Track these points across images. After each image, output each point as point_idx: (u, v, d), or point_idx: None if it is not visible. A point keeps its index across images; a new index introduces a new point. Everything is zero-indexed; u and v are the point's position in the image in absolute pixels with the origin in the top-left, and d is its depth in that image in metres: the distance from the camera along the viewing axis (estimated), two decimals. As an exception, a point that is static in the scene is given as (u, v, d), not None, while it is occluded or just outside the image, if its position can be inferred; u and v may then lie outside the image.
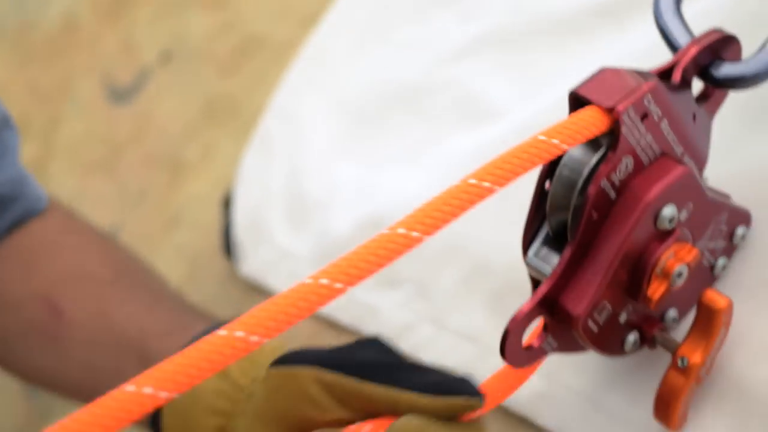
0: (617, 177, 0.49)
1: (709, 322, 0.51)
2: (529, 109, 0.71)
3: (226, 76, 1.02)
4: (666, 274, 0.51)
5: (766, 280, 0.54)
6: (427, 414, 0.49)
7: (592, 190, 0.49)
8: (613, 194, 0.49)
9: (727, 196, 0.54)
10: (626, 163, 0.49)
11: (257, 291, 0.81)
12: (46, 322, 0.63)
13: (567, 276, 0.50)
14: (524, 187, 0.65)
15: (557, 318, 0.50)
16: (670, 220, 0.50)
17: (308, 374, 0.52)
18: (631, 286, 0.51)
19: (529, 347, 0.50)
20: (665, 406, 0.52)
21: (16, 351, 0.65)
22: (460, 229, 0.68)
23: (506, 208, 0.67)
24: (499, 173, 0.46)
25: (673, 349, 0.52)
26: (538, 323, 0.51)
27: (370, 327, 0.72)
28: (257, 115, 0.90)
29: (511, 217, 0.66)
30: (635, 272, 0.50)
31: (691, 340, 0.51)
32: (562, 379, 0.59)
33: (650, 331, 0.53)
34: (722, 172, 0.55)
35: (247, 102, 0.97)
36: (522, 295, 0.62)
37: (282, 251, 0.80)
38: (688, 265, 0.51)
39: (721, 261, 0.55)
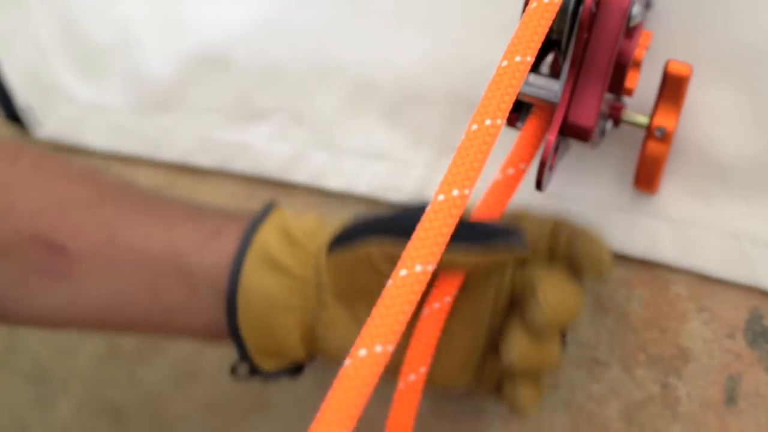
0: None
1: (677, 91, 0.56)
2: None
3: None
4: (637, 64, 0.55)
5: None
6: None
7: (584, 12, 0.51)
8: (594, 10, 0.52)
9: None
10: (598, -26, 0.52)
11: (67, 149, 0.76)
12: (47, 262, 0.56)
13: (568, 96, 0.53)
14: (388, 8, 0.66)
15: (567, 134, 0.54)
16: (636, 17, 0.54)
17: (377, 251, 0.53)
18: (615, 84, 0.55)
19: (551, 168, 0.54)
20: (649, 174, 0.58)
21: (16, 299, 0.57)
22: (326, 51, 0.68)
23: (378, 27, 0.67)
24: (527, 40, 0.46)
25: (642, 122, 0.58)
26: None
27: (241, 165, 0.71)
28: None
29: (387, 35, 0.67)
30: (617, 71, 0.54)
31: (662, 110, 0.57)
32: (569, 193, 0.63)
33: (617, 114, 0.57)
34: None
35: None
36: (418, 104, 0.65)
37: (88, 105, 0.75)
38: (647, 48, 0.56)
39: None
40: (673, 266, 0.60)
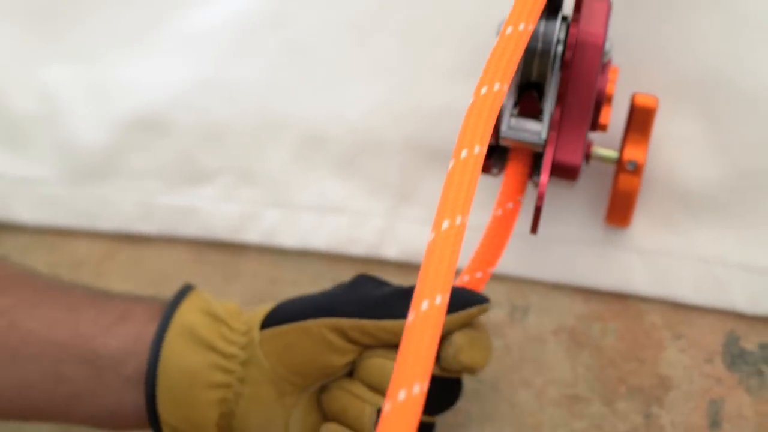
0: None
1: (645, 123, 0.57)
2: None
3: None
4: (609, 99, 0.56)
5: None
6: (451, 328, 0.52)
7: (568, 54, 0.52)
8: (571, 52, 0.53)
9: None
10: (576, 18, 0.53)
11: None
12: None
13: (556, 135, 0.54)
14: (332, 58, 0.66)
15: (555, 174, 0.54)
16: (608, 52, 0.55)
17: (322, 324, 0.53)
18: (593, 121, 0.56)
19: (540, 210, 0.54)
20: (623, 208, 0.59)
21: None
22: (271, 107, 0.67)
23: (325, 79, 0.67)
24: (503, 70, 0.46)
25: (612, 157, 0.59)
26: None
27: (187, 229, 0.69)
28: None
29: (335, 86, 0.66)
30: (595, 108, 0.55)
31: (631, 143, 0.58)
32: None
33: (588, 150, 0.58)
34: None
35: None
36: (372, 153, 0.65)
37: (14, 178, 0.71)
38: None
39: None
40: (647, 296, 0.61)
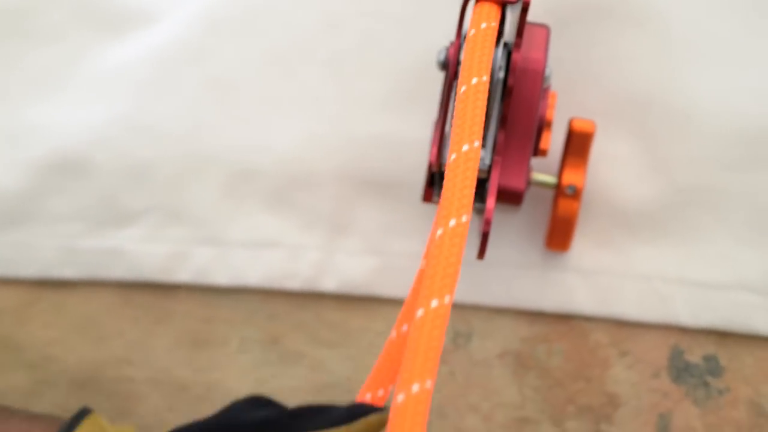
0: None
1: (582, 147, 0.58)
2: (186, 9, 0.67)
3: None
4: (549, 124, 0.56)
5: None
6: None
7: (511, 80, 0.52)
8: (514, 78, 0.53)
9: None
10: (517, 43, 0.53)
11: None
12: None
13: (500, 161, 0.53)
14: (258, 92, 0.64)
15: (500, 199, 0.54)
16: (548, 78, 0.55)
17: None
18: (534, 146, 0.56)
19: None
20: (563, 232, 0.59)
21: None
22: (196, 143, 0.66)
23: (250, 112, 0.65)
24: (469, 127, 0.45)
25: (551, 182, 0.59)
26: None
27: (114, 272, 0.66)
28: None
29: (260, 119, 0.65)
30: (537, 133, 0.55)
31: (569, 167, 0.58)
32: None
33: (529, 175, 0.58)
34: None
35: None
36: (304, 185, 0.64)
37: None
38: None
39: None
40: (591, 316, 0.61)
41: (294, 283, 0.64)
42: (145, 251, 0.66)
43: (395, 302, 0.63)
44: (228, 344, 0.65)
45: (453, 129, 0.44)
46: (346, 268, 0.64)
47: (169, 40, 0.67)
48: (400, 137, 0.64)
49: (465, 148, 0.43)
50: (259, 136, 0.65)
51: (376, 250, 0.64)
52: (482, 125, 0.44)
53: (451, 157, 0.43)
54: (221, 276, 0.65)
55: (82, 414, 0.52)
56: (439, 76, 0.60)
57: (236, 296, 0.65)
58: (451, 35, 0.59)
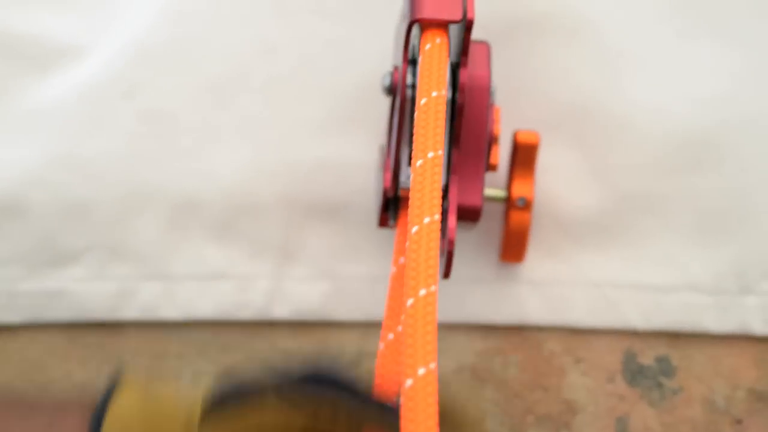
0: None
1: (528, 159, 0.59)
2: (115, 42, 0.66)
3: None
4: (496, 139, 0.57)
5: None
6: None
7: (461, 98, 0.52)
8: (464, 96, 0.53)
9: None
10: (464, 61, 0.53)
11: None
12: None
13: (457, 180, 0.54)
14: (195, 123, 0.64)
15: (459, 217, 0.54)
16: (493, 93, 0.56)
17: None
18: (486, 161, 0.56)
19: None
20: (516, 244, 0.60)
21: None
22: (135, 178, 0.65)
23: (189, 144, 0.65)
24: (432, 137, 0.46)
25: (501, 196, 0.59)
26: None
27: (56, 314, 0.65)
28: None
29: (201, 150, 0.65)
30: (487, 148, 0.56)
31: (518, 179, 0.59)
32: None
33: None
34: None
35: None
36: (250, 214, 0.64)
37: None
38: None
39: None
40: (543, 326, 0.62)
41: (246, 313, 0.64)
42: (89, 291, 0.65)
43: (350, 326, 0.63)
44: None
45: (415, 138, 0.45)
46: (298, 294, 0.64)
47: (101, 74, 0.66)
48: (343, 160, 0.64)
49: (430, 155, 0.44)
50: (199, 167, 0.64)
51: (327, 274, 0.64)
52: (443, 135, 0.45)
53: (416, 162, 0.44)
54: (170, 311, 0.65)
55: (113, 387, 0.49)
56: (379, 98, 0.60)
57: (187, 330, 0.65)
58: (387, 57, 0.60)
